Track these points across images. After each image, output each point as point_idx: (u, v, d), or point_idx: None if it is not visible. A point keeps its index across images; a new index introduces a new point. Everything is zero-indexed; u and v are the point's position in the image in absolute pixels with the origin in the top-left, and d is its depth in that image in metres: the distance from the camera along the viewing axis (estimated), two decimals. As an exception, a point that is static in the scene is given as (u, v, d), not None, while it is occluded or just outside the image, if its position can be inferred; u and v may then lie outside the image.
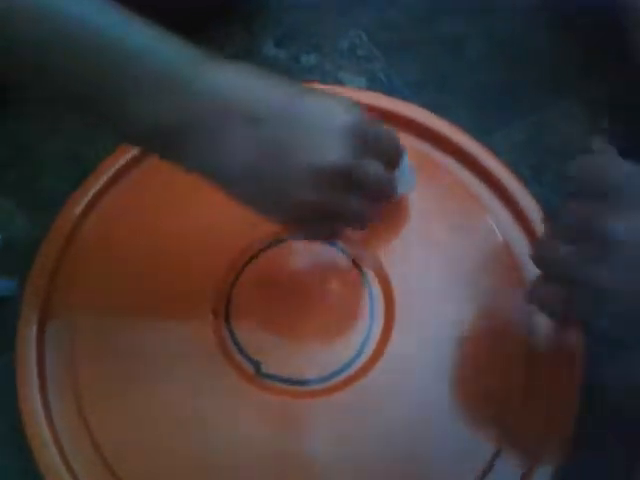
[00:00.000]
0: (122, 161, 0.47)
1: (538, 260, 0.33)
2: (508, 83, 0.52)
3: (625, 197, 0.30)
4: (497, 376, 0.39)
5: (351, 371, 0.39)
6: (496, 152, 0.46)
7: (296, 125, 0.33)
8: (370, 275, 0.43)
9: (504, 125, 0.49)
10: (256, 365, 0.40)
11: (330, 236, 0.40)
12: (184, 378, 0.40)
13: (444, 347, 0.40)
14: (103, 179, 0.46)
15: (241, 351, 0.40)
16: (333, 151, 0.33)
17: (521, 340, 0.40)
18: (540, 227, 0.42)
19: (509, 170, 0.45)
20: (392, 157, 0.37)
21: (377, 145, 0.35)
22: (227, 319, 0.41)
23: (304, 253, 0.44)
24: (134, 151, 0.46)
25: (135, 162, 0.47)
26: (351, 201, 0.35)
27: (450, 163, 0.47)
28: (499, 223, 0.44)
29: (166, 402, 0.39)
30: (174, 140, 0.33)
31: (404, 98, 0.49)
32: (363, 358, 0.40)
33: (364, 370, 0.39)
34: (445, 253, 0.43)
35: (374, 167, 0.35)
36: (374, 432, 0.38)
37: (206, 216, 0.44)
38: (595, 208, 0.30)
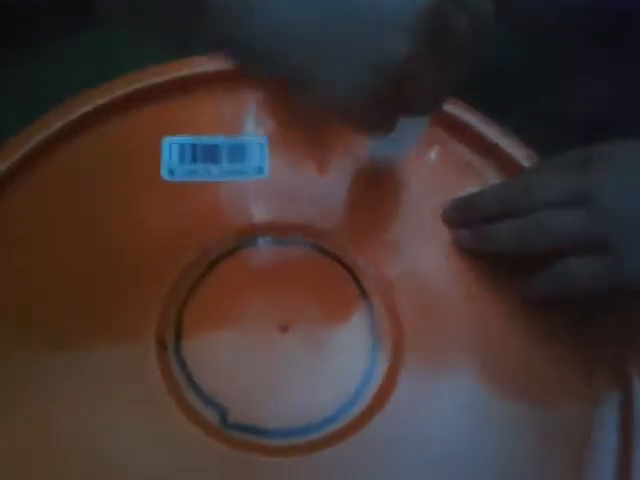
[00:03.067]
0: (30, 144, 0.36)
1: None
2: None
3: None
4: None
5: (346, 420, 0.29)
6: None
7: None
8: (368, 287, 0.33)
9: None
10: (221, 412, 0.29)
11: (391, 122, 0.31)
12: (118, 428, 0.29)
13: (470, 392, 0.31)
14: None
15: (199, 393, 0.29)
16: None
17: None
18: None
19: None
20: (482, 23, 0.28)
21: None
22: (177, 350, 0.31)
23: (278, 259, 0.34)
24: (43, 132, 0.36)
25: (46, 145, 0.36)
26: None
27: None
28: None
29: (90, 454, 0.28)
30: None
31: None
32: (362, 402, 0.30)
33: (363, 419, 0.29)
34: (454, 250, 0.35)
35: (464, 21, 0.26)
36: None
37: (144, 216, 0.34)
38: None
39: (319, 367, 0.31)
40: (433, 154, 0.38)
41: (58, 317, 0.31)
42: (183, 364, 0.30)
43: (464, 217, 0.35)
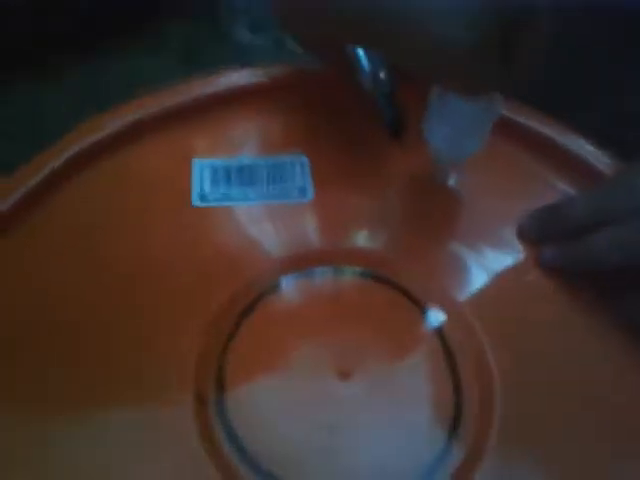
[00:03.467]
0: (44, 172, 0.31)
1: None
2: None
3: None
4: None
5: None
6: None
7: None
8: (444, 324, 0.28)
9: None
10: (273, 482, 0.24)
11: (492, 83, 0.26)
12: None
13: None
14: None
15: (246, 458, 0.24)
16: None
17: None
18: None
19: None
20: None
21: None
22: (219, 406, 0.26)
23: (332, 292, 0.29)
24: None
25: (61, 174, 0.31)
26: None
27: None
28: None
29: None
30: None
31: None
32: (447, 470, 0.24)
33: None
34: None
35: None
36: None
37: (174, 249, 0.30)
38: None
39: (390, 425, 0.26)
40: (497, 163, 0.33)
41: (76, 370, 0.26)
42: (226, 422, 0.25)
43: (549, 231, 0.30)
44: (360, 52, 0.32)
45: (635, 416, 0.26)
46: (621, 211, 0.27)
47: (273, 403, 0.26)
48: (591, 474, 0.25)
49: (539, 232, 0.30)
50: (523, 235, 0.30)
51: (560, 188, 0.32)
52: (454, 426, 0.25)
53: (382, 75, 0.32)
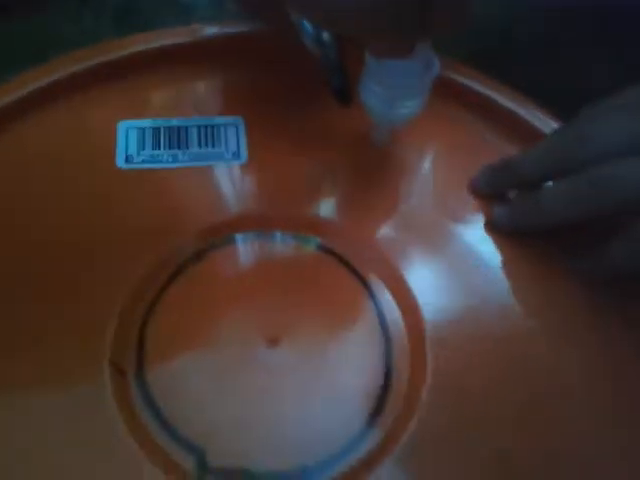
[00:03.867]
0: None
1: None
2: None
3: None
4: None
5: (353, 461, 0.23)
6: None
7: None
8: (378, 288, 0.27)
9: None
10: (197, 455, 0.23)
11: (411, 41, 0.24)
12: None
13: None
14: None
15: (169, 431, 0.23)
16: None
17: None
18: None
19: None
20: None
21: None
22: (139, 376, 0.24)
23: (261, 259, 0.28)
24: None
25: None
26: None
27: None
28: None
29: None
30: None
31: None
32: (373, 438, 0.24)
33: (373, 460, 0.23)
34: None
35: None
36: None
37: (95, 211, 0.28)
38: None
39: (319, 391, 0.24)
40: (439, 124, 0.32)
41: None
42: (147, 394, 0.24)
43: (499, 186, 0.29)
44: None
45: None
46: (573, 162, 0.26)
47: (197, 373, 0.24)
48: (519, 438, 0.24)
49: (490, 187, 0.29)
50: (475, 190, 0.29)
51: (505, 150, 0.31)
52: (383, 395, 0.24)
53: (326, 38, 0.30)
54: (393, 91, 0.27)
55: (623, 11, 0.38)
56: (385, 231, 0.29)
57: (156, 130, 0.31)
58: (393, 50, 0.24)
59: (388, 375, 0.25)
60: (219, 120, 0.31)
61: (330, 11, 0.23)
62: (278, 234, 0.28)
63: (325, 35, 0.30)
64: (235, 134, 0.31)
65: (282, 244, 0.28)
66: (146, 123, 0.31)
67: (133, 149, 0.30)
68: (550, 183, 0.27)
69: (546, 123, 0.31)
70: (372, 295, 0.27)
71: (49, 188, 0.29)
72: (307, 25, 0.30)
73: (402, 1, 0.22)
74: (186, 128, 0.31)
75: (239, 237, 0.28)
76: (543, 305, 0.27)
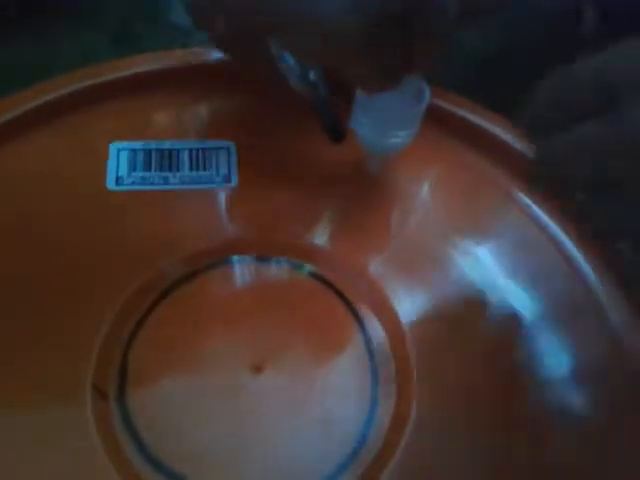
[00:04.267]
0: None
1: None
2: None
3: None
4: None
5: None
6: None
7: None
8: (367, 316, 0.27)
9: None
10: (177, 482, 0.23)
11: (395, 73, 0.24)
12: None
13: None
14: None
15: (148, 457, 0.23)
16: None
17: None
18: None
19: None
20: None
21: None
22: (121, 400, 0.24)
23: (247, 283, 0.28)
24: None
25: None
26: None
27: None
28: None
29: None
30: None
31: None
32: (360, 465, 0.23)
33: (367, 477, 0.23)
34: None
35: None
36: None
37: (84, 233, 0.28)
38: None
39: (304, 419, 0.24)
40: (431, 153, 0.32)
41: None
42: (127, 418, 0.23)
43: None
44: (286, 55, 0.29)
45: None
46: None
47: (180, 398, 0.24)
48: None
49: None
50: None
51: (494, 177, 0.32)
52: (369, 418, 0.24)
53: (312, 77, 0.29)
54: (384, 121, 0.28)
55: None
56: (377, 260, 0.29)
57: (147, 152, 0.31)
58: (378, 85, 0.24)
59: (373, 404, 0.25)
60: (211, 144, 0.32)
61: (312, 45, 0.23)
62: (268, 259, 0.28)
63: (312, 74, 0.29)
64: (226, 158, 0.31)
65: (273, 269, 0.28)
66: (138, 145, 0.31)
67: (124, 170, 0.30)
68: None
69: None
70: (361, 323, 0.27)
71: (38, 206, 0.28)
72: (293, 64, 0.29)
73: (383, 38, 0.22)
74: (178, 151, 0.31)
75: (228, 261, 0.28)
76: (536, 328, 0.27)
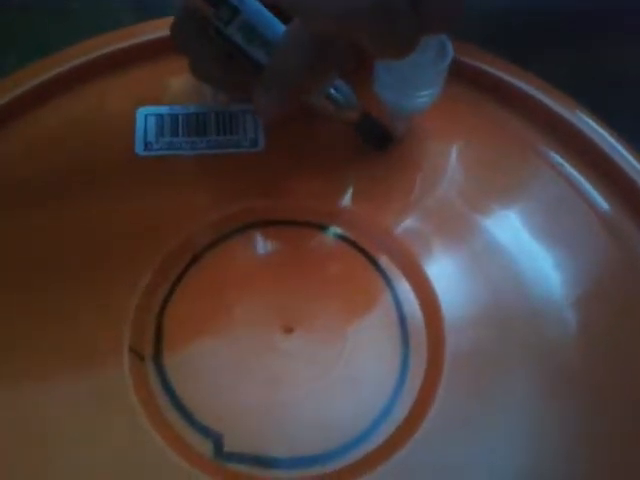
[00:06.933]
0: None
1: None
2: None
3: None
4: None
5: (370, 447, 0.23)
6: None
7: None
8: (396, 277, 0.27)
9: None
10: (215, 439, 0.23)
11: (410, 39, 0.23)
12: (85, 463, 0.23)
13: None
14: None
15: (187, 416, 0.24)
16: None
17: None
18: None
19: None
20: None
21: None
22: (157, 361, 0.25)
23: (279, 246, 0.28)
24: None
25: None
26: None
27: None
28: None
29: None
30: None
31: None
32: (390, 425, 0.24)
33: (391, 446, 0.23)
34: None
35: None
36: None
37: (114, 198, 0.28)
38: None
39: (335, 378, 0.25)
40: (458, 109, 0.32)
41: (9, 324, 0.25)
42: (165, 379, 0.24)
43: None
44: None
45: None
46: None
47: (214, 359, 0.25)
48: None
49: None
50: None
51: (523, 134, 0.31)
52: (401, 380, 0.24)
53: (351, 99, 0.28)
54: (408, 82, 0.27)
55: None
56: (404, 221, 0.29)
57: (174, 117, 0.31)
58: (396, 52, 0.24)
59: (404, 365, 0.25)
60: (237, 107, 0.31)
61: (324, 15, 0.22)
62: (296, 222, 0.28)
63: (340, 95, 0.28)
64: (253, 121, 0.31)
65: (300, 232, 0.28)
66: (164, 110, 0.31)
67: (152, 136, 0.30)
68: None
69: (564, 105, 0.31)
70: (390, 284, 0.27)
71: (68, 174, 0.29)
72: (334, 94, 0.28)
73: (394, 1, 0.21)
74: (204, 115, 0.31)
75: (255, 225, 0.28)
76: (567, 299, 0.27)
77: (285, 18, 0.26)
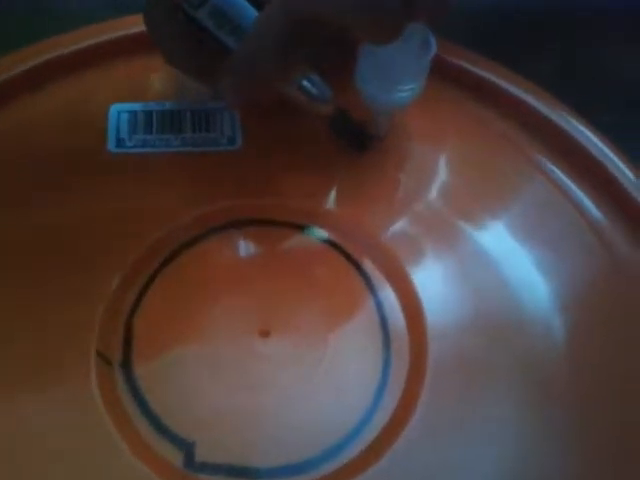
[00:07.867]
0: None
1: None
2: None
3: None
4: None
5: (349, 455, 0.22)
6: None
7: None
8: (377, 280, 0.26)
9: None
10: (185, 449, 0.22)
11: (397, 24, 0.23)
12: (50, 471, 0.21)
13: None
14: None
15: (156, 424, 0.22)
16: None
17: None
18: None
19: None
20: None
21: None
22: (126, 366, 0.23)
23: (254, 247, 0.27)
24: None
25: None
26: None
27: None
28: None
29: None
30: None
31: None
32: (370, 432, 0.23)
33: (372, 454, 0.22)
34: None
35: None
36: None
37: (85, 197, 0.27)
38: None
39: (315, 384, 0.24)
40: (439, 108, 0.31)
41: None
42: (133, 384, 0.23)
43: None
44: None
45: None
46: None
47: (185, 363, 0.24)
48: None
49: None
50: None
51: (513, 139, 0.30)
52: (382, 386, 0.23)
53: (326, 94, 0.27)
54: (389, 75, 0.27)
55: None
56: (389, 224, 0.28)
57: (148, 113, 0.30)
58: (381, 34, 0.23)
59: (386, 370, 0.24)
60: (214, 105, 0.31)
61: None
62: (275, 222, 0.27)
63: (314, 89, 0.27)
64: (230, 119, 0.30)
65: (280, 233, 0.27)
66: (138, 106, 0.30)
67: (125, 133, 0.29)
68: None
69: (549, 105, 0.30)
70: (372, 288, 0.26)
71: (35, 172, 0.28)
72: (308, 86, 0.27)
73: None
74: (179, 112, 0.30)
75: (233, 225, 0.27)
76: (555, 306, 0.26)
77: (258, 4, 0.25)
